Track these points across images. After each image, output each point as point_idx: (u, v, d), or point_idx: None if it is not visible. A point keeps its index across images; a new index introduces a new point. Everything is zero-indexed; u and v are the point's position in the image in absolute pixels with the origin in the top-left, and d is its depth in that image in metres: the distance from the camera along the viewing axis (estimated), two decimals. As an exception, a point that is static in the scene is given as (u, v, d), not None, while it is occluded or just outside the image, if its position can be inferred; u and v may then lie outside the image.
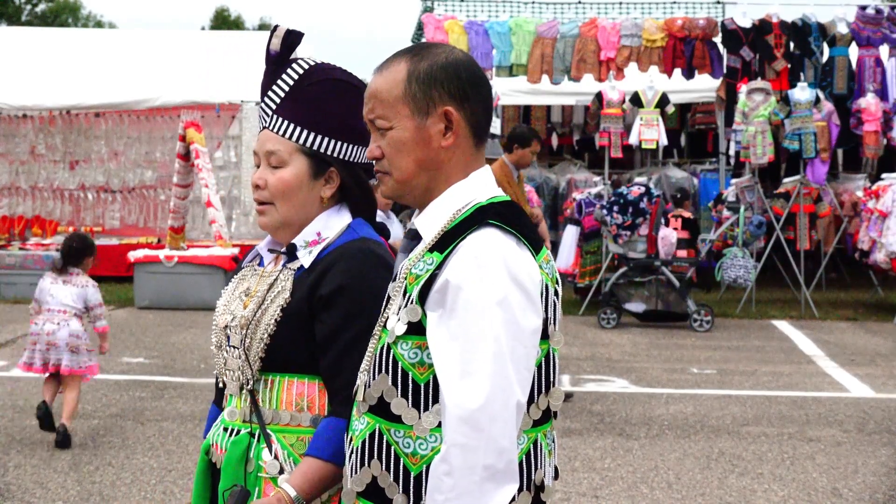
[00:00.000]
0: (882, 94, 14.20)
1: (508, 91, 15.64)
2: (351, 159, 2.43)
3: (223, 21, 51.37)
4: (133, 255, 13.54)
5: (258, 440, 2.34)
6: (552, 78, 14.48)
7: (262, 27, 51.16)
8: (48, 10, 47.58)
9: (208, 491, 2.44)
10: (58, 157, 16.18)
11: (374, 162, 2.11)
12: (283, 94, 2.41)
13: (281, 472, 2.30)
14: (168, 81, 15.86)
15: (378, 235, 2.46)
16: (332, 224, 2.42)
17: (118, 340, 10.84)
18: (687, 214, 13.05)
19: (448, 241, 1.97)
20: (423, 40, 14.26)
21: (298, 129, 2.39)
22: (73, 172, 16.26)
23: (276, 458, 2.30)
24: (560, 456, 6.51)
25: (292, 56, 2.44)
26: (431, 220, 2.03)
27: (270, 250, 2.48)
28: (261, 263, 2.51)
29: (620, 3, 15.70)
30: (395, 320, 1.99)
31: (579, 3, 15.76)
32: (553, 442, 2.08)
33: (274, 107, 2.41)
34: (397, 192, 2.08)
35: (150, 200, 16.21)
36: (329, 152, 2.40)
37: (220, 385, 2.47)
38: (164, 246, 13.86)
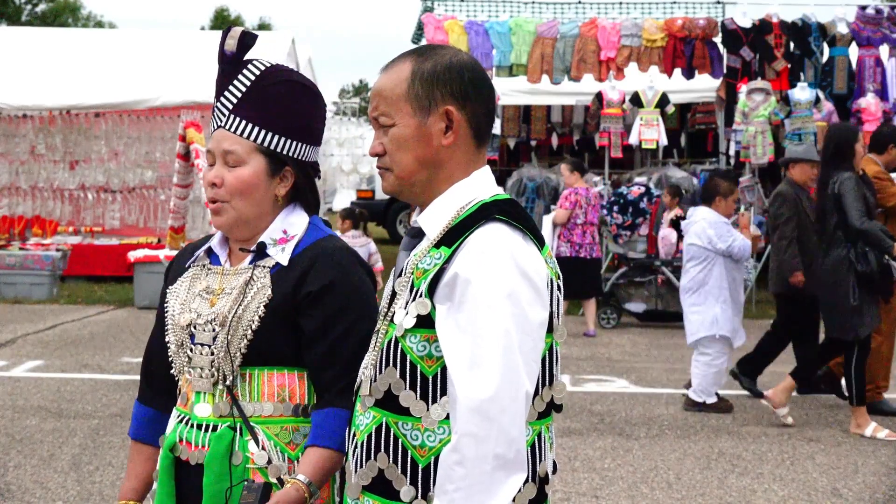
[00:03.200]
0: (882, 94, 14.18)
1: (508, 91, 15.62)
2: (304, 158, 2.49)
3: (223, 21, 51.35)
4: (133, 255, 13.53)
5: (241, 433, 2.38)
6: (552, 78, 14.46)
7: (261, 27, 51.19)
8: (48, 10, 47.52)
9: (174, 488, 2.47)
10: (58, 157, 16.15)
11: (376, 158, 2.15)
12: (240, 95, 2.45)
13: (269, 462, 2.35)
14: (168, 81, 15.84)
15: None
16: (294, 222, 2.49)
17: (118, 340, 10.84)
18: (679, 212, 12.88)
19: (455, 235, 2.01)
20: (424, 40, 14.25)
21: (256, 128, 2.44)
22: (73, 172, 16.24)
23: (263, 449, 2.35)
24: (560, 456, 6.50)
25: (246, 57, 2.49)
26: (435, 217, 2.07)
27: (242, 249, 2.51)
28: (214, 262, 2.54)
29: (620, 3, 15.68)
30: (402, 314, 2.03)
31: (579, 3, 15.75)
32: (552, 435, 2.11)
33: (231, 107, 2.46)
34: (398, 188, 2.12)
35: (150, 200, 16.19)
36: (285, 151, 2.46)
37: (179, 383, 2.50)
38: (164, 246, 13.84)
